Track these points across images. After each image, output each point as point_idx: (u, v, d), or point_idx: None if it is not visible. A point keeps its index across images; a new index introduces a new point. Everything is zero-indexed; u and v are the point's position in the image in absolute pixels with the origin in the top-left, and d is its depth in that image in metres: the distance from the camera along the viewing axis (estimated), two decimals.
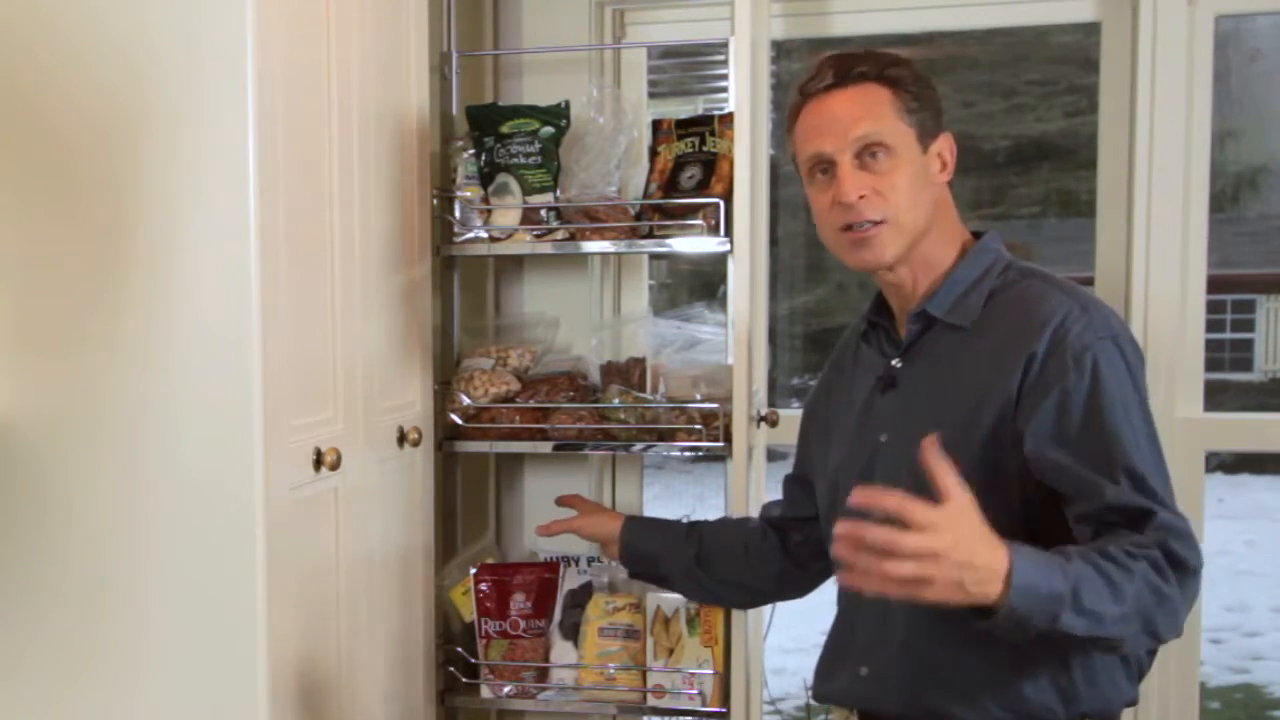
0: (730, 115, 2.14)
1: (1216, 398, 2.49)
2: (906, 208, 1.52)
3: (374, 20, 1.90)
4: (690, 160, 2.25)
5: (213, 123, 1.51)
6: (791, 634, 3.33)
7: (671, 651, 2.18)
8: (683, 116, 2.31)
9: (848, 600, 1.66)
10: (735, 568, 1.90)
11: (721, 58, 2.45)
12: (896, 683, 1.55)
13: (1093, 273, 2.44)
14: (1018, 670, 1.46)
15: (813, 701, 1.71)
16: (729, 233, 2.13)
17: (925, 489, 1.44)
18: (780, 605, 2.08)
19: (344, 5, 1.78)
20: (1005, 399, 1.45)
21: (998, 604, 1.26)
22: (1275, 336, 10.95)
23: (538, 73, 2.53)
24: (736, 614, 2.13)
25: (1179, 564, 1.36)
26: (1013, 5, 2.47)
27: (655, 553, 1.94)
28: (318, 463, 1.68)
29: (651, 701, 2.20)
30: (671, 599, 2.17)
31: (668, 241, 2.21)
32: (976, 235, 1.62)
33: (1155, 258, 2.33)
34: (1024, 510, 1.46)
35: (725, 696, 2.15)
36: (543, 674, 2.25)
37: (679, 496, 6.72)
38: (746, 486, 2.13)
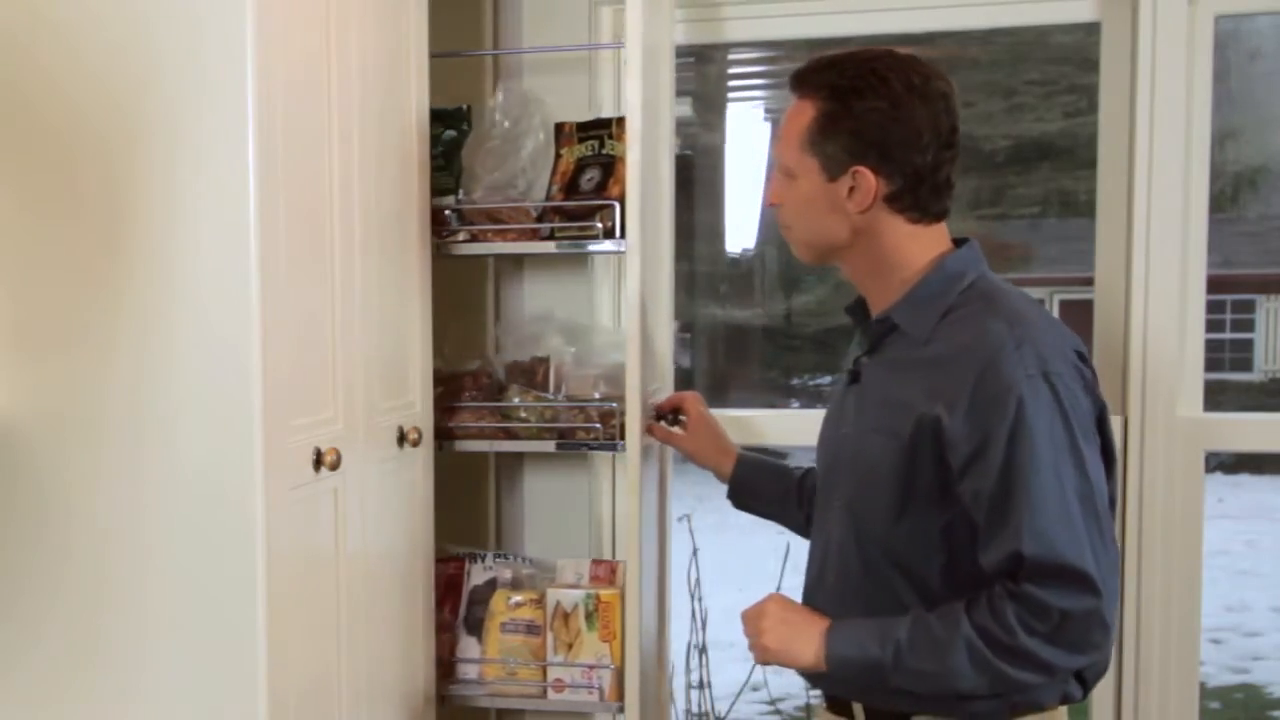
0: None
1: (1216, 398, 2.49)
2: (799, 225, 1.63)
3: (374, 20, 1.90)
4: (590, 163, 2.27)
5: (213, 123, 1.52)
6: None
7: (571, 646, 2.20)
8: (583, 120, 2.32)
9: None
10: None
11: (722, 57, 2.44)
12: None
13: (1092, 273, 2.44)
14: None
15: (812, 700, 1.74)
16: (624, 234, 2.15)
17: (867, 482, 1.55)
18: None
19: (344, 5, 1.78)
20: (932, 423, 1.48)
21: (823, 672, 1.54)
22: (1275, 336, 10.94)
23: (538, 73, 2.53)
24: (631, 610, 2.14)
25: (1038, 610, 1.39)
26: (1013, 5, 2.47)
27: (764, 496, 2.05)
28: (318, 463, 1.68)
29: (552, 695, 2.22)
30: (571, 595, 2.20)
31: (566, 243, 2.23)
32: (960, 243, 1.62)
33: (1155, 258, 2.32)
34: (943, 533, 1.50)
35: (623, 691, 2.17)
36: (449, 669, 2.27)
37: (679, 497, 6.71)
38: (640, 484, 2.13)
